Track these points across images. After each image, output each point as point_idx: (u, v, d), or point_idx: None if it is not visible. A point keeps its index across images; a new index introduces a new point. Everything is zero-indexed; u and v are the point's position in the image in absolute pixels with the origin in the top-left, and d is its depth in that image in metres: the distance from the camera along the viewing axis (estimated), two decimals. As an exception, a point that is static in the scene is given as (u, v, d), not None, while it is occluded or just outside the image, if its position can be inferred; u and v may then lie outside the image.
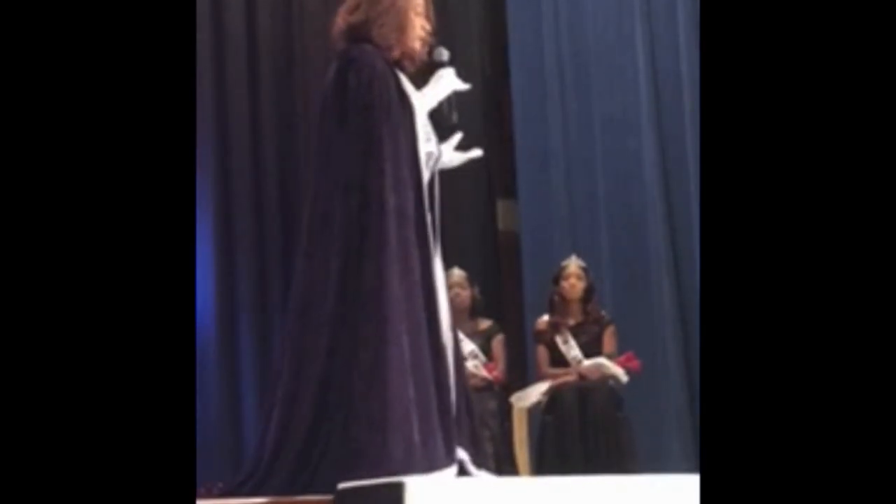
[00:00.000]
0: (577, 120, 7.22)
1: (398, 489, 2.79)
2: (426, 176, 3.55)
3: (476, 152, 3.75)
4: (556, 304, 6.00)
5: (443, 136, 3.68)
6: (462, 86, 3.66)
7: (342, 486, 2.94)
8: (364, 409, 3.25)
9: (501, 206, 7.44)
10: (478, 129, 6.99)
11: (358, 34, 3.57)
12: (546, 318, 6.02)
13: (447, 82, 3.63)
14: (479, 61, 7.32)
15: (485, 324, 6.19)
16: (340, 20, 3.62)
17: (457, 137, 3.68)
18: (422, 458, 3.23)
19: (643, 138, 7.02)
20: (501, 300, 6.98)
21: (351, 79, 3.49)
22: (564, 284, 5.97)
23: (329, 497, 2.93)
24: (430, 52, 3.67)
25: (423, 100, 3.58)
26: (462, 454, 3.46)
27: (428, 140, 3.58)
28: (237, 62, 6.81)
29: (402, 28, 3.58)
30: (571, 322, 5.97)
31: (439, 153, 3.62)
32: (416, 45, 3.63)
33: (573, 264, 6.04)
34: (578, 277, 5.99)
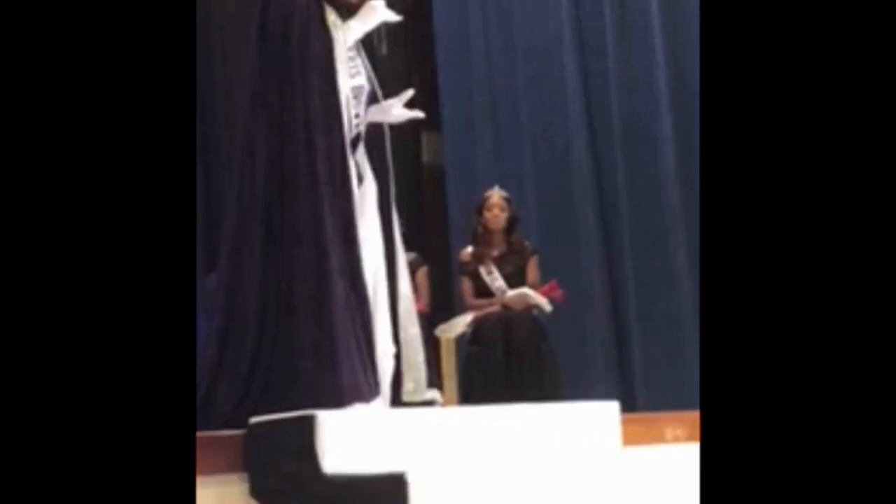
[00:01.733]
0: (499, 51, 7.18)
1: (310, 422, 2.78)
2: (360, 111, 3.52)
3: (418, 113, 3.72)
4: (480, 236, 6.00)
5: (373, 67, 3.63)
6: (394, 17, 3.59)
7: (254, 420, 2.93)
8: (306, 341, 3.24)
9: (426, 138, 7.39)
10: (400, 62, 6.91)
11: None
12: (470, 249, 6.02)
13: (378, 14, 3.55)
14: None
15: (409, 256, 6.15)
16: None
17: (408, 94, 3.66)
18: (365, 387, 3.26)
19: (566, 68, 7.00)
20: (426, 232, 6.96)
21: (272, 12, 3.46)
22: (487, 215, 5.96)
23: (242, 432, 2.92)
24: None
25: (349, 32, 3.51)
26: (437, 394, 3.49)
27: (357, 74, 3.54)
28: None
29: None
30: (495, 253, 5.97)
31: (371, 87, 3.56)
32: None
33: (496, 195, 6.02)
34: (501, 208, 5.98)
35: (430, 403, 3.54)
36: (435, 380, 3.62)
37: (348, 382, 3.23)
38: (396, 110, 3.68)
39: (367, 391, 3.27)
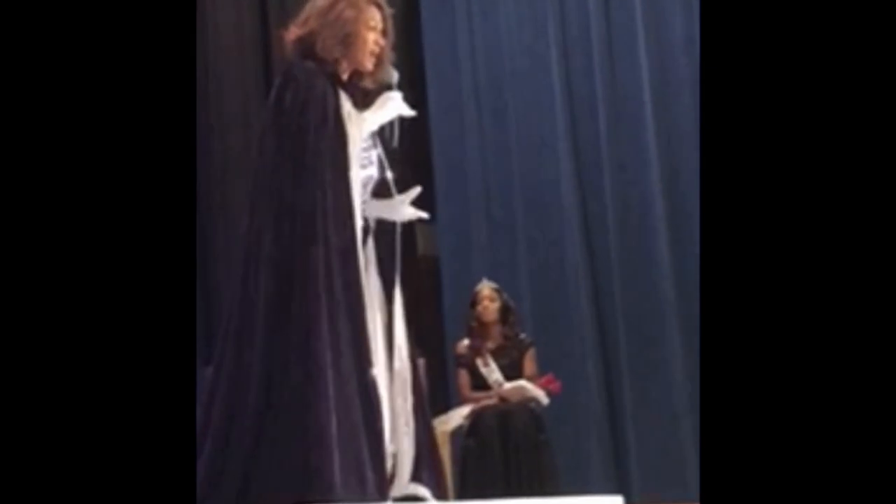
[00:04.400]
0: (493, 144, 7.25)
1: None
2: (367, 198, 3.49)
3: (423, 214, 3.62)
4: (475, 330, 6.02)
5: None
6: (408, 112, 3.51)
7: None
8: (288, 444, 3.21)
9: (420, 230, 7.41)
10: (395, 154, 6.96)
11: (304, 48, 3.49)
12: (466, 342, 6.03)
13: (393, 106, 3.49)
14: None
15: (404, 348, 6.14)
16: (291, 33, 3.54)
17: (415, 192, 3.57)
18: (343, 496, 3.17)
19: (560, 161, 7.07)
20: (421, 325, 6.95)
21: (287, 98, 3.41)
22: (479, 308, 6.00)
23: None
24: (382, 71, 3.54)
25: (364, 123, 3.46)
26: (422, 490, 3.42)
27: (370, 164, 3.50)
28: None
29: (347, 42, 3.47)
30: (491, 345, 5.98)
31: (380, 175, 3.53)
32: (367, 61, 3.51)
33: (485, 287, 6.07)
34: (491, 299, 6.01)
35: (414, 499, 3.46)
36: (424, 474, 3.53)
37: (321, 492, 3.15)
38: (405, 209, 3.57)
39: (357, 496, 3.19)
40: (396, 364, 3.47)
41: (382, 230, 3.57)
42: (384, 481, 3.30)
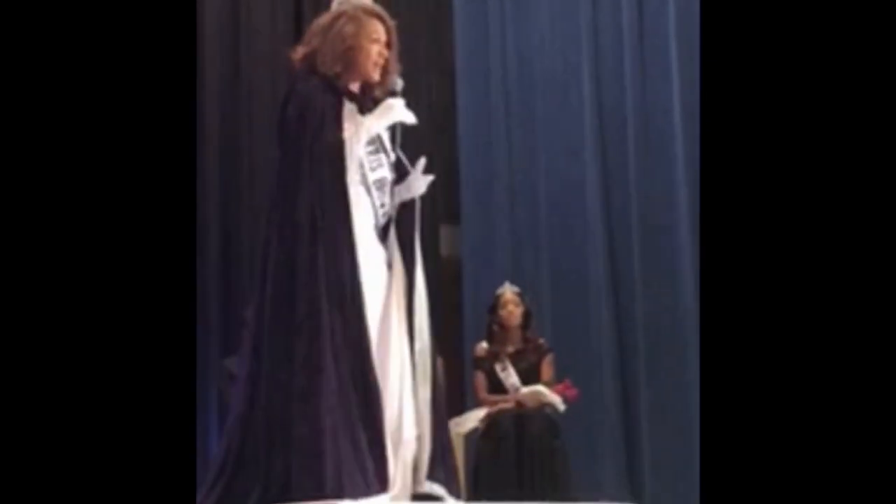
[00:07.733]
0: (521, 148, 7.26)
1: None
2: (385, 200, 3.57)
3: (429, 177, 3.69)
4: (496, 333, 6.02)
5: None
6: (410, 119, 3.59)
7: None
8: (292, 436, 3.26)
9: (444, 231, 7.44)
10: (423, 155, 6.99)
11: (309, 65, 3.60)
12: (485, 344, 6.03)
13: (395, 113, 3.57)
14: (426, 87, 7.33)
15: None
16: (297, 52, 3.66)
17: (422, 163, 3.65)
18: (350, 486, 3.23)
19: (586, 167, 7.07)
20: (441, 325, 6.97)
21: (289, 111, 3.53)
22: (503, 313, 5.99)
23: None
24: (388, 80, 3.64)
25: (361, 128, 3.52)
26: (438, 489, 3.47)
27: (379, 166, 3.58)
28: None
29: (347, 56, 3.57)
30: (510, 349, 5.98)
31: (395, 176, 3.61)
32: (373, 72, 3.61)
33: (508, 291, 6.06)
34: (516, 304, 6.01)
35: (431, 498, 3.49)
36: (442, 475, 3.56)
37: (330, 483, 3.20)
38: (417, 182, 3.66)
39: (361, 488, 3.24)
40: (417, 345, 3.51)
41: (403, 219, 3.62)
42: (384, 478, 3.33)
